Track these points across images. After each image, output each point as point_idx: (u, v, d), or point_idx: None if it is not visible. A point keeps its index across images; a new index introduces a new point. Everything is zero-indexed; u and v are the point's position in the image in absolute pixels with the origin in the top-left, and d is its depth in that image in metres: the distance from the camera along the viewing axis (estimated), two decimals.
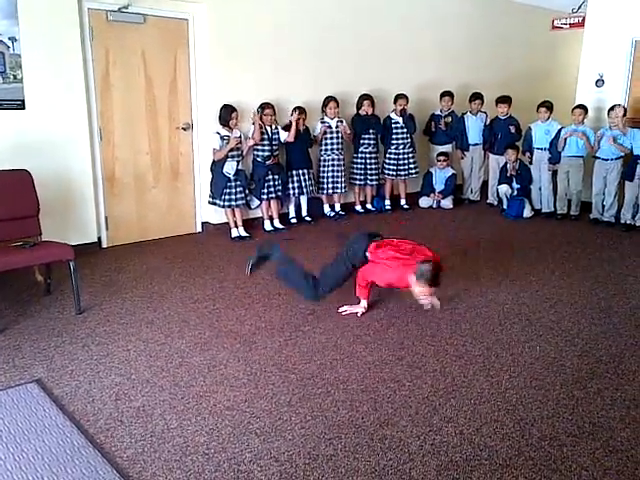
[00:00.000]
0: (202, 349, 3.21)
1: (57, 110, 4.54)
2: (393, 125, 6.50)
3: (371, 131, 6.36)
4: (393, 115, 6.51)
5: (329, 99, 6.05)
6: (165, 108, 5.27)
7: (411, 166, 6.67)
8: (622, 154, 5.90)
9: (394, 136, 6.53)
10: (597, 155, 6.08)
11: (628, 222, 5.95)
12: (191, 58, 5.33)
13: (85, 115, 4.72)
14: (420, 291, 3.37)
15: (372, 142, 6.41)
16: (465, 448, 2.35)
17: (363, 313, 3.66)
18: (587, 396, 2.75)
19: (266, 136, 5.55)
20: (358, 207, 6.67)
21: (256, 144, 5.52)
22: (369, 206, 6.73)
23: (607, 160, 5.99)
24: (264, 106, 5.52)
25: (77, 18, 4.53)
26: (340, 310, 3.70)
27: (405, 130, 6.52)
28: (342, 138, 6.20)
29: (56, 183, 4.56)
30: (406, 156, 6.63)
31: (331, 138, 6.11)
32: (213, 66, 5.36)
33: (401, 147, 6.58)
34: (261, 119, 5.49)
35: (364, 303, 3.68)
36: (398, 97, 6.45)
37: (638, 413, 2.61)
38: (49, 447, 2.32)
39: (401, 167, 6.64)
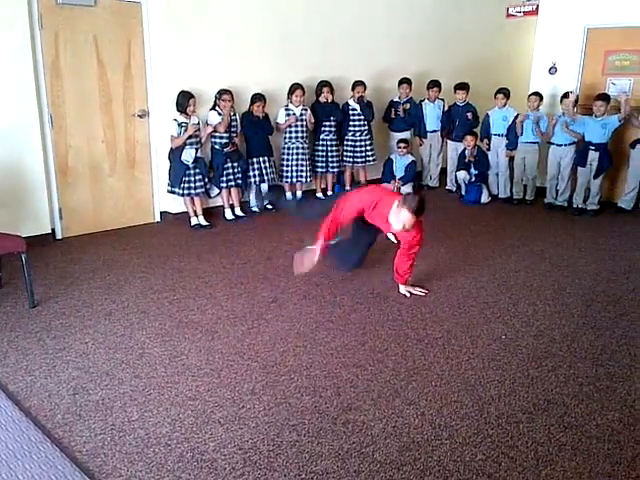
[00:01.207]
0: (163, 340, 3.17)
1: (4, 97, 4.36)
2: (351, 112, 6.49)
3: (332, 118, 6.35)
4: (351, 102, 6.49)
5: (296, 86, 5.96)
6: (120, 95, 5.12)
7: (368, 153, 6.69)
8: (575, 140, 6.07)
9: (351, 123, 6.52)
10: (552, 141, 6.23)
11: (580, 206, 6.14)
12: (146, 43, 5.18)
13: (34, 102, 4.55)
14: (402, 219, 3.38)
15: (332, 129, 6.39)
16: (426, 429, 2.39)
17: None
18: (542, 374, 2.84)
19: None
20: (319, 194, 6.67)
21: (214, 131, 5.44)
22: (330, 193, 6.73)
23: (561, 146, 6.15)
24: (222, 92, 5.42)
25: (25, 1, 4.35)
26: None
27: (362, 117, 6.52)
28: (307, 127, 6.16)
29: (6, 172, 4.40)
30: (363, 143, 6.63)
31: (295, 126, 6.05)
32: (169, 51, 5.22)
33: (358, 134, 6.58)
34: (219, 106, 5.41)
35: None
36: (356, 84, 6.42)
37: (590, 389, 2.71)
38: (5, 443, 2.26)
39: (358, 154, 6.65)
